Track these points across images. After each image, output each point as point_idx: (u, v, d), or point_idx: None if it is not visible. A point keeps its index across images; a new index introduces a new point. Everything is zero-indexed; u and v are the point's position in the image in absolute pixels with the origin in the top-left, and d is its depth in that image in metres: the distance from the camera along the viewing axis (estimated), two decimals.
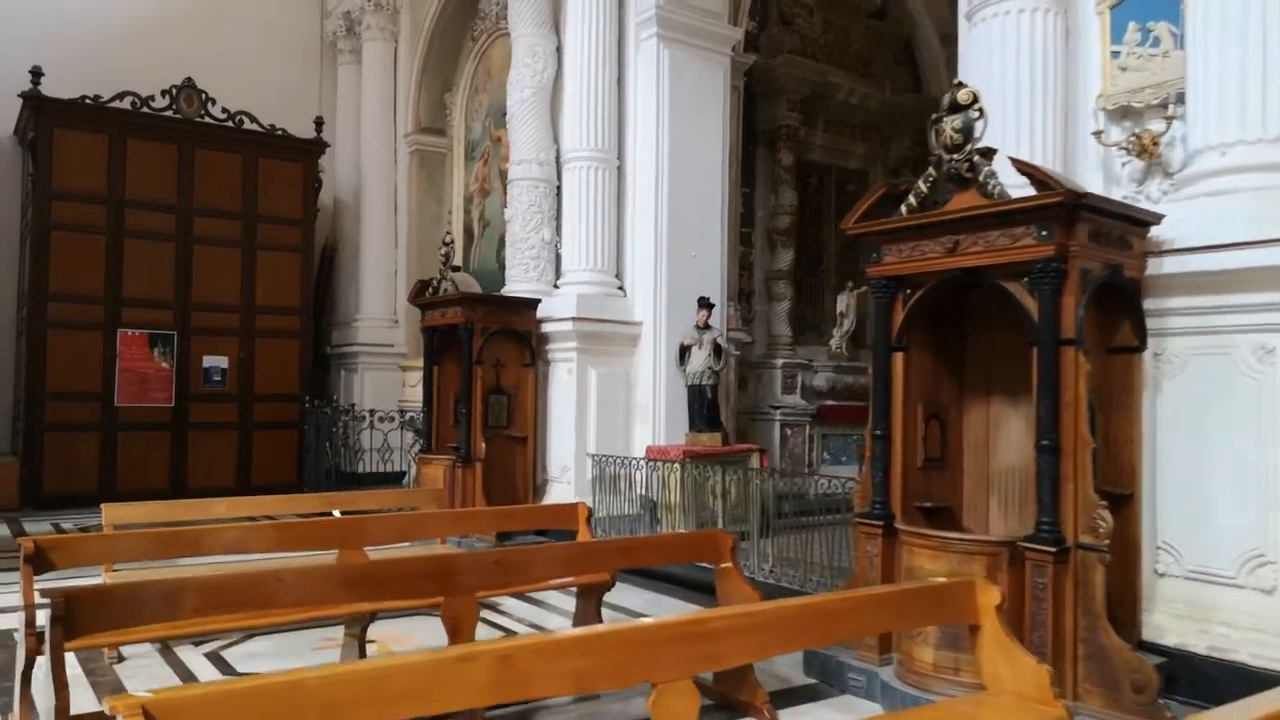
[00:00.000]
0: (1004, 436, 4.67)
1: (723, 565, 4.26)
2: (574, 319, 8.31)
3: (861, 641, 4.42)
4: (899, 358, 4.50)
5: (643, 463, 7.96)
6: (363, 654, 4.33)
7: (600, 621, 5.09)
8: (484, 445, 8.15)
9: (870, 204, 4.51)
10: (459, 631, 3.54)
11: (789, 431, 9.83)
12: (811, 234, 10.77)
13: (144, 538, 4.10)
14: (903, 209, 4.37)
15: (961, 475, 4.76)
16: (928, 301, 4.43)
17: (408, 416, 10.15)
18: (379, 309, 13.15)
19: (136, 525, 5.16)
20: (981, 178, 4.08)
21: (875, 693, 4.28)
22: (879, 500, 4.45)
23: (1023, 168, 3.96)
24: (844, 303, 10.59)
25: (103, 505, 5.02)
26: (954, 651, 3.96)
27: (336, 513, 4.67)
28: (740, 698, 4.08)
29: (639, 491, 8.08)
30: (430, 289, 8.70)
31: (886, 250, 4.49)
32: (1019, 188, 4.13)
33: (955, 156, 4.17)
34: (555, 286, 9.18)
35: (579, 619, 5.18)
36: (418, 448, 10.56)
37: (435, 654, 2.27)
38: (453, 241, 8.57)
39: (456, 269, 8.52)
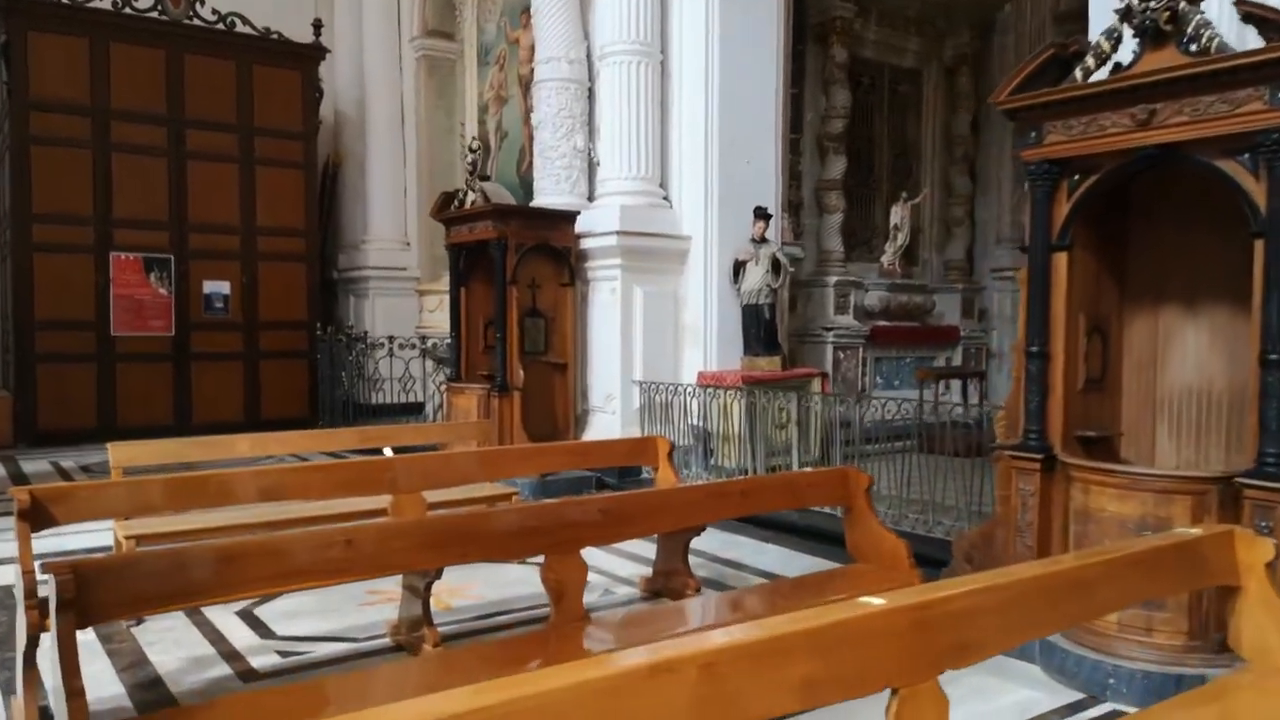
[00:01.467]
0: (1177, 351, 3.95)
1: (855, 508, 3.57)
2: (618, 233, 7.50)
3: None
4: (1061, 259, 3.75)
5: (697, 390, 7.25)
6: (427, 614, 3.66)
7: (689, 572, 4.43)
8: (522, 372, 7.42)
9: (1032, 70, 3.69)
10: (564, 595, 2.86)
11: (841, 354, 9.12)
12: (862, 140, 9.89)
13: (163, 485, 3.38)
14: (1077, 74, 3.57)
15: (1120, 399, 4.05)
16: (1099, 191, 3.66)
17: (430, 344, 9.41)
18: (389, 230, 12.28)
19: (148, 468, 4.46)
20: (1191, 29, 3.26)
21: (1033, 654, 3.64)
22: (1035, 430, 3.75)
23: (1253, 10, 3.15)
24: (898, 215, 9.78)
25: (109, 445, 4.30)
26: (1146, 609, 3.31)
27: (388, 451, 3.96)
28: None
29: (691, 421, 7.40)
30: (455, 202, 7.86)
31: (1050, 127, 3.69)
32: None
33: (1152, 5, 3.35)
34: (589, 199, 8.36)
35: (661, 567, 4.52)
36: (441, 377, 9.85)
37: (614, 665, 1.56)
38: (480, 148, 7.71)
39: (485, 178, 7.67)
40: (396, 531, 2.58)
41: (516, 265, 7.43)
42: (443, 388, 9.44)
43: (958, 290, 10.41)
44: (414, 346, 9.75)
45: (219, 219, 10.81)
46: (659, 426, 7.46)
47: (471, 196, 7.67)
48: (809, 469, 3.39)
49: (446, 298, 10.00)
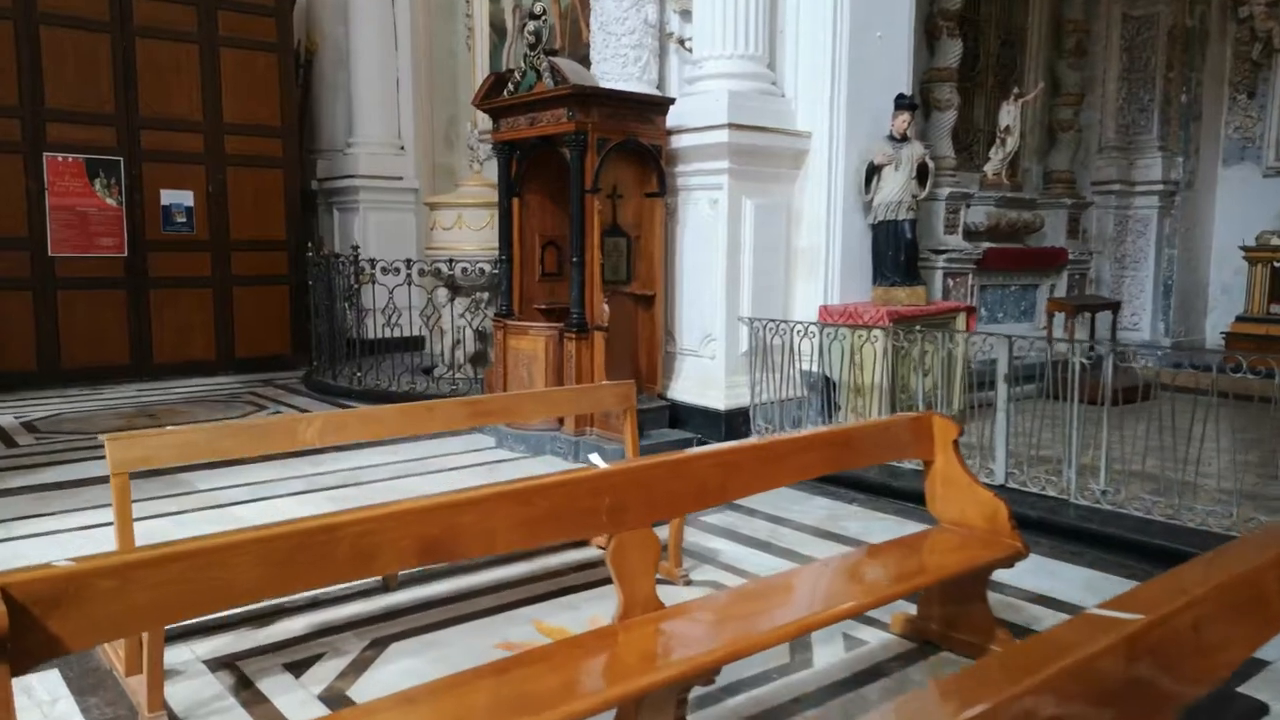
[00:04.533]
0: None
1: None
2: (728, 126, 5.84)
3: None
4: None
5: (842, 330, 5.75)
6: None
7: (990, 612, 3.01)
8: (607, 308, 5.82)
9: None
10: None
11: (951, 282, 7.67)
12: (967, 24, 8.26)
13: (258, 552, 1.78)
14: None
15: None
16: None
17: (460, 268, 7.71)
18: (379, 131, 10.35)
19: (165, 472, 2.84)
20: None
21: None
22: None
23: None
24: (1009, 115, 8.25)
25: (105, 440, 2.66)
26: None
27: (597, 459, 2.42)
28: None
29: (805, 367, 5.94)
30: (510, 85, 6.10)
31: None
32: None
33: None
34: (657, 88, 6.67)
35: (940, 597, 3.08)
36: (460, 308, 8.18)
37: None
38: (545, 14, 5.91)
39: (553, 52, 5.91)
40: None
41: (599, 168, 5.76)
42: (497, 325, 7.85)
43: (1064, 206, 8.98)
44: (438, 273, 8.01)
45: (177, 113, 8.81)
46: (773, 375, 5.98)
47: (534, 77, 5.91)
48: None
49: (463, 212, 8.32)
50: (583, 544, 4.03)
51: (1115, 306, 8.22)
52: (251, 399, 8.01)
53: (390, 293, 7.69)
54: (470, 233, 8.32)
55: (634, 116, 5.90)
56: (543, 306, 6.53)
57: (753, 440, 2.70)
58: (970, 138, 8.49)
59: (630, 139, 5.87)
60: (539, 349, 6.04)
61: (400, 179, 10.36)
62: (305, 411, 7.45)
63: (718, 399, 6.04)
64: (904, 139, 6.14)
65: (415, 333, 9.85)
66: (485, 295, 8.42)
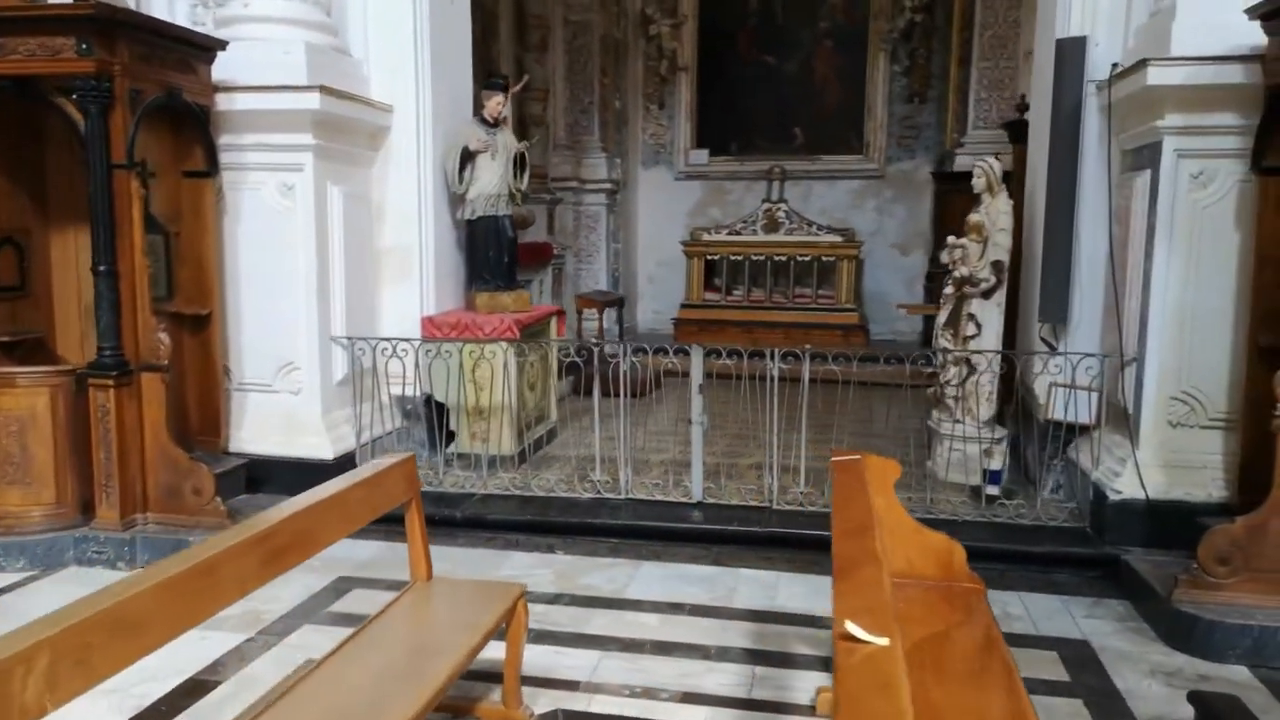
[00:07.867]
0: None
1: None
2: (319, 90, 4.39)
3: None
4: None
5: (486, 346, 4.82)
6: None
7: None
8: (165, 337, 3.97)
9: None
10: None
11: None
12: None
13: None
14: None
15: None
16: None
17: None
18: None
19: None
20: None
21: None
22: None
23: None
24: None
25: None
26: None
27: (858, 630, 1.47)
28: None
29: (413, 391, 4.96)
30: None
31: None
32: None
33: None
34: None
35: None
36: None
37: None
38: None
39: None
40: None
41: (134, 133, 3.85)
42: None
43: (545, 201, 9.03)
44: None
45: None
46: (370, 405, 4.82)
47: None
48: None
49: None
50: None
51: (621, 302, 8.61)
52: None
53: None
54: None
55: (175, 62, 4.08)
56: (4, 339, 4.22)
57: (847, 530, 1.98)
58: None
59: (174, 93, 4.06)
60: (38, 408, 3.87)
61: None
62: None
63: (319, 446, 4.62)
64: (497, 124, 5.43)
65: None
66: None
